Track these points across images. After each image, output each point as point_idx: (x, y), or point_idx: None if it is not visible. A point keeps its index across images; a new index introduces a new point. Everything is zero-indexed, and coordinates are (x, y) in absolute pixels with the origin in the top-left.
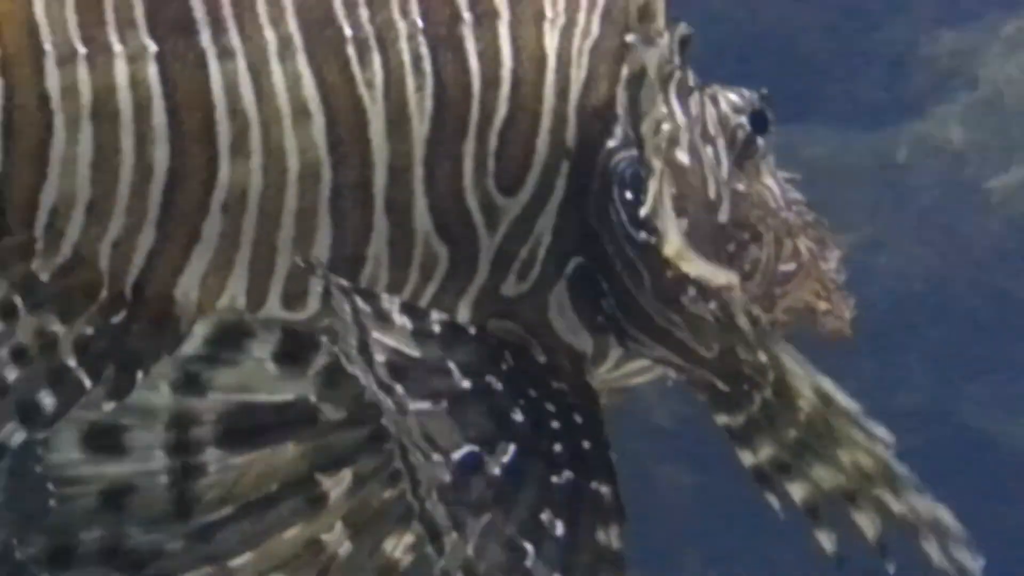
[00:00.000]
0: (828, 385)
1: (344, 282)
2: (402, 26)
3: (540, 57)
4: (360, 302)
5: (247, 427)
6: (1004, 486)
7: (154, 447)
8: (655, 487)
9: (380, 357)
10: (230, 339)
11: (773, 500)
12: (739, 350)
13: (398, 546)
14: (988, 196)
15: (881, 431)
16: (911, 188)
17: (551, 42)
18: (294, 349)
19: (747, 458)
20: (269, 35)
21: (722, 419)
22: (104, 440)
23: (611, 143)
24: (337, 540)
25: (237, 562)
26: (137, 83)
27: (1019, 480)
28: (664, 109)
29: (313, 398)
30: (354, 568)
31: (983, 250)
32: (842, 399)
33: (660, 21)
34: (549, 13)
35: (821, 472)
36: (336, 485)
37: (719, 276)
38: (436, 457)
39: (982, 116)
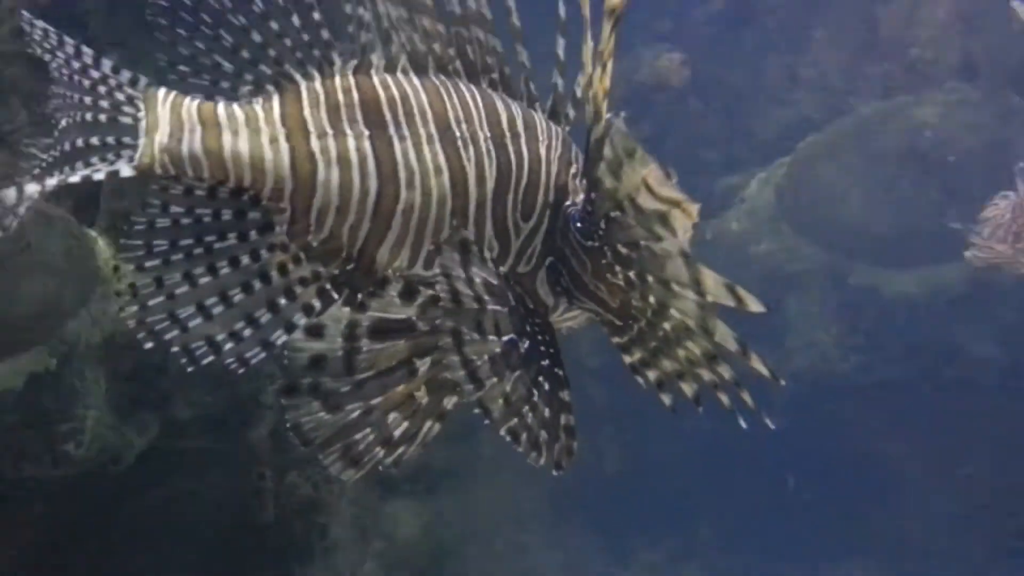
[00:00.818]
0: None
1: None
2: (480, 135)
3: (538, 159)
4: (471, 255)
5: (383, 329)
6: None
7: (336, 336)
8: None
9: (478, 279)
10: (381, 283)
11: (640, 382)
12: (633, 300)
13: (450, 402)
14: None
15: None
16: None
17: (543, 152)
18: (408, 291)
19: (627, 359)
20: (421, 131)
21: (616, 340)
22: (315, 331)
23: (568, 201)
24: (421, 395)
25: (374, 402)
26: (359, 149)
27: None
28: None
29: (413, 317)
30: (428, 413)
31: None
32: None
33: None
34: (542, 137)
35: (666, 363)
36: (422, 366)
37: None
38: (493, 338)
39: None
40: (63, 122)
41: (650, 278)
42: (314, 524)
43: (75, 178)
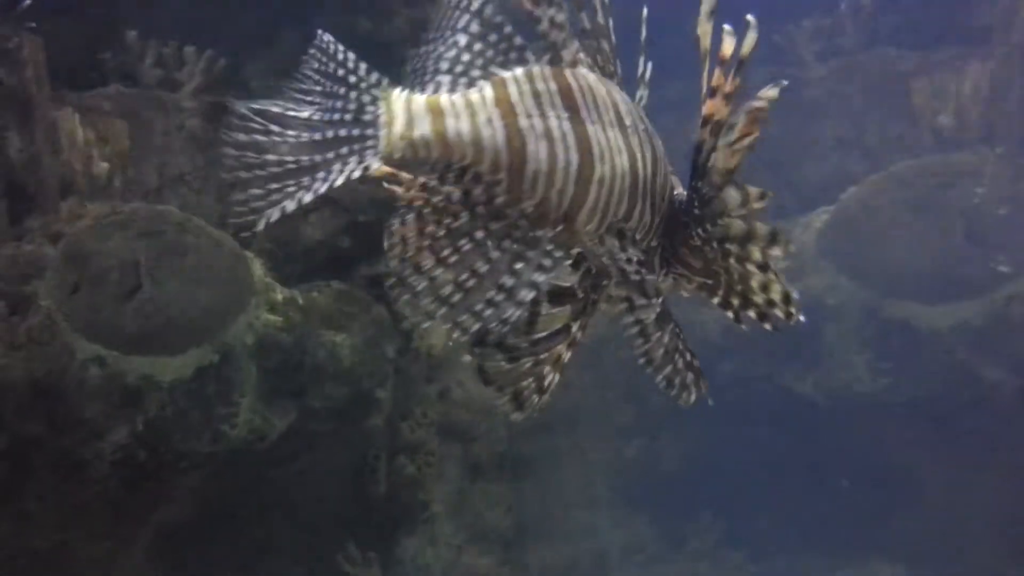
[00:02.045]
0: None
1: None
2: (639, 126)
3: (657, 158)
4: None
5: (557, 294)
6: None
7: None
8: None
9: (635, 256)
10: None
11: (749, 318)
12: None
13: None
14: None
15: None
16: None
17: (658, 151)
18: (576, 263)
19: (724, 309)
20: (604, 118)
21: (711, 298)
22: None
23: (675, 191)
24: (567, 353)
25: (543, 356)
26: (560, 127)
27: None
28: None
29: (576, 285)
30: (565, 368)
31: None
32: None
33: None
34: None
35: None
36: (575, 327)
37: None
38: (655, 301)
39: None
40: (307, 132)
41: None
42: (417, 500)
43: (338, 181)
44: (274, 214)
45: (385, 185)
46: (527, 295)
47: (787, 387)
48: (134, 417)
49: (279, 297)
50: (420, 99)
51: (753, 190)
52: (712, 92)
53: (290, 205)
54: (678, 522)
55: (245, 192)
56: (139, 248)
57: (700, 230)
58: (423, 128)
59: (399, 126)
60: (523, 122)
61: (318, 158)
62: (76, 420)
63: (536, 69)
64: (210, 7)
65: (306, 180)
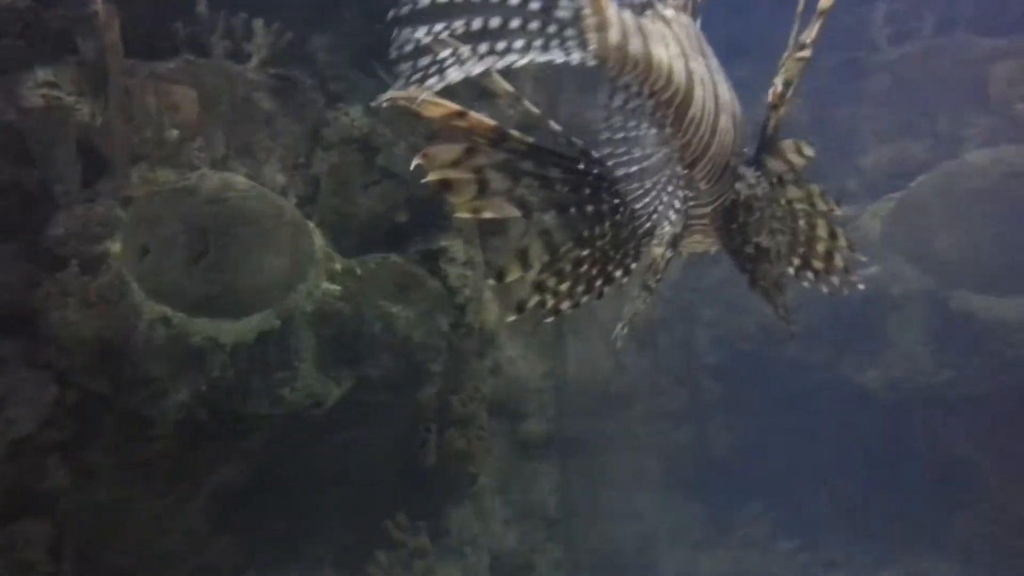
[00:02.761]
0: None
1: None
2: (728, 87)
3: (739, 123)
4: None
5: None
6: None
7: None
8: None
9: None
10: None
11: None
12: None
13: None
14: None
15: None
16: None
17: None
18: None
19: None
20: (710, 64)
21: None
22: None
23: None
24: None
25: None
26: (707, 74)
27: None
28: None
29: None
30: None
31: None
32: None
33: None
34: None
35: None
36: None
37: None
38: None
39: None
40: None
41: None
42: (466, 473)
43: (523, 60)
44: (455, 74)
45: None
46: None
47: (847, 377)
48: (197, 378)
49: (338, 267)
50: (626, 14)
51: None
52: (799, 47)
53: (476, 68)
54: (727, 509)
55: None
56: (206, 214)
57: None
58: (636, 45)
59: (615, 35)
60: (692, 63)
61: (507, 29)
62: (142, 379)
63: (681, 15)
64: None
65: (498, 46)
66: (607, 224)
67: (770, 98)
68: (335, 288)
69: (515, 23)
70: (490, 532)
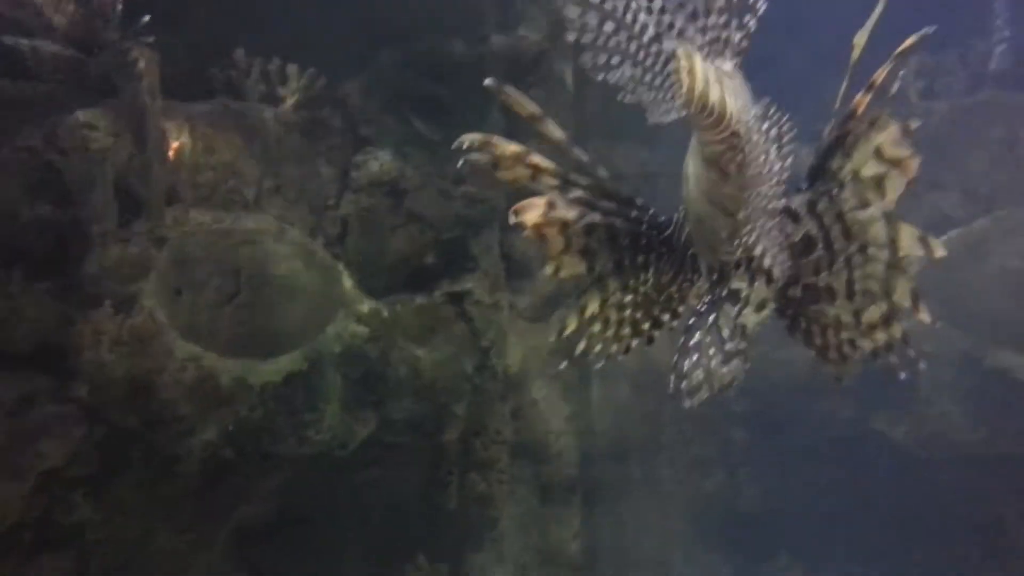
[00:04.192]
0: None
1: None
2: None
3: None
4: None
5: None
6: None
7: None
8: None
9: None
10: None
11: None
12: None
13: None
14: None
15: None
16: None
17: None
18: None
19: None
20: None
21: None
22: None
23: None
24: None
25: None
26: (753, 131)
27: None
28: None
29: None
30: None
31: None
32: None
33: None
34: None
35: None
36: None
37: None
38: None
39: None
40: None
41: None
42: (486, 517)
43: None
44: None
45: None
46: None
47: (878, 431)
48: (225, 417)
49: (365, 309)
50: (709, 64)
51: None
52: (868, 88)
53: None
54: (754, 561)
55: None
56: (239, 256)
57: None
58: (715, 94)
59: (700, 84)
60: (745, 119)
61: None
62: (170, 416)
63: (729, 65)
64: (312, 28)
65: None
66: (652, 271)
67: (853, 106)
68: (363, 330)
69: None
70: None
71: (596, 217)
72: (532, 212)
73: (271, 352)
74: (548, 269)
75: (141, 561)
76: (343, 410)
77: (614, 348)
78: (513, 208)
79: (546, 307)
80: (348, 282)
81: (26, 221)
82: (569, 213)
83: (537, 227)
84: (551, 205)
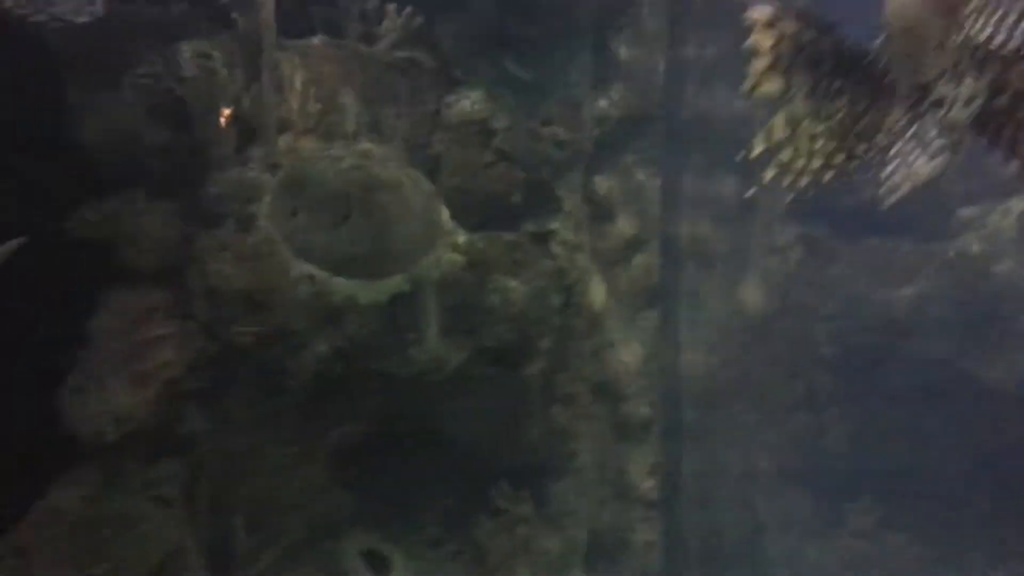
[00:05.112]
0: None
1: None
2: None
3: None
4: None
5: None
6: None
7: None
8: None
9: None
10: None
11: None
12: None
13: None
14: None
15: None
16: None
17: None
18: None
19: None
20: None
21: None
22: None
23: None
24: None
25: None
26: None
27: None
28: None
29: None
30: None
31: None
32: None
33: None
34: None
35: None
36: None
37: None
38: None
39: None
40: None
41: None
42: (567, 450)
43: None
44: None
45: None
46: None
47: (971, 373)
48: (335, 334)
49: (461, 240)
50: None
51: None
52: None
53: None
54: (838, 501)
55: None
56: (349, 181)
57: None
58: None
59: None
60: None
61: None
62: (285, 332)
63: None
64: None
65: None
66: (848, 99)
67: None
68: (459, 259)
69: None
70: (587, 508)
71: (811, 34)
72: (764, 10)
73: (378, 273)
74: (747, 84)
75: (247, 472)
76: (440, 334)
77: (805, 180)
78: (748, 7)
79: (627, 250)
80: (445, 213)
81: (148, 145)
82: (790, 25)
83: (762, 30)
84: (780, 10)
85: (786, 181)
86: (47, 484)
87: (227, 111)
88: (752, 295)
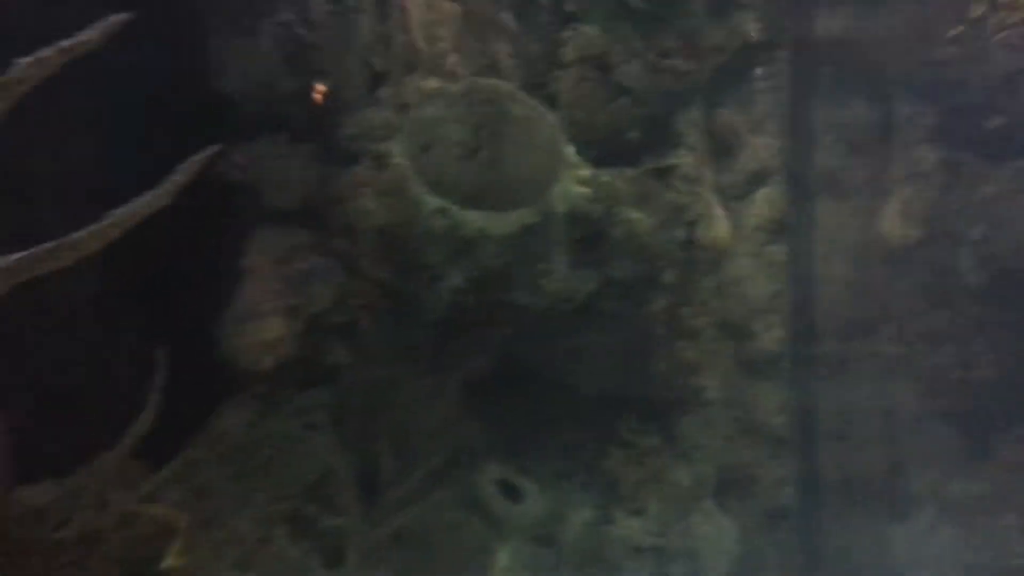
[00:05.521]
0: None
1: None
2: None
3: None
4: None
5: None
6: None
7: None
8: None
9: None
10: None
11: None
12: None
13: None
14: None
15: None
16: None
17: None
18: None
19: None
20: None
21: None
22: None
23: None
24: None
25: None
26: None
27: None
28: None
29: None
30: None
31: None
32: None
33: None
34: None
35: None
36: None
37: None
38: None
39: None
40: None
41: None
42: (693, 385)
43: None
44: None
45: None
46: None
47: None
48: (469, 265)
49: (586, 173)
50: None
51: None
52: None
53: None
54: (986, 433)
55: None
56: (477, 115)
57: None
58: None
59: None
60: None
61: None
62: (420, 265)
63: None
64: None
65: None
66: None
67: None
68: (585, 191)
69: None
70: (716, 444)
71: None
72: None
73: (507, 206)
74: None
75: (387, 403)
76: (569, 266)
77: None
78: None
79: (751, 183)
80: (570, 147)
81: (284, 91)
82: None
83: None
84: None
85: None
86: (212, 410)
87: (356, 54)
88: (891, 224)
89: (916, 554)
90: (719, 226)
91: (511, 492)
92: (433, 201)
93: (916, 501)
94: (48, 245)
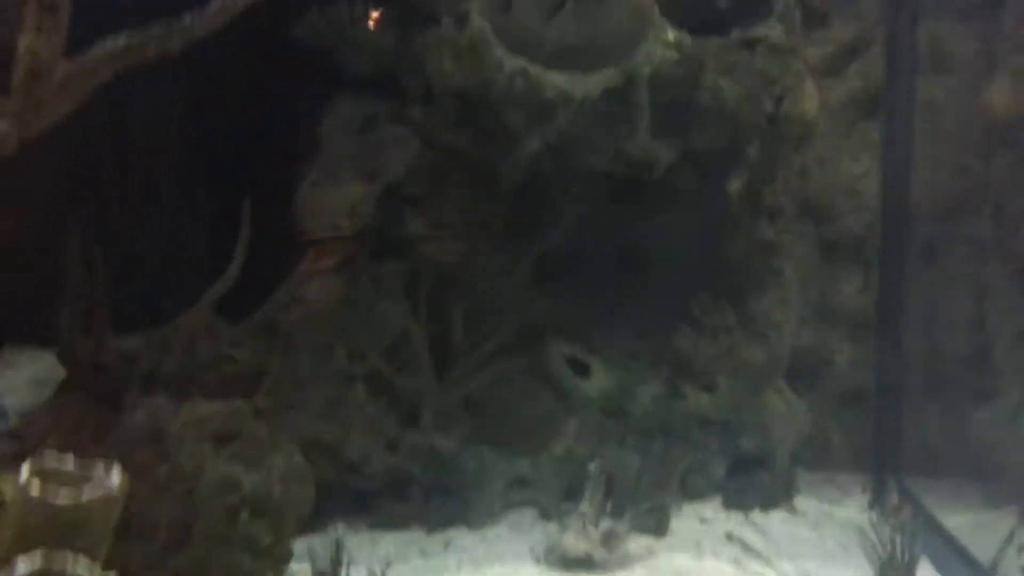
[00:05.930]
0: None
1: None
2: None
3: None
4: None
5: None
6: None
7: None
8: None
9: None
10: None
11: None
12: None
13: None
14: None
15: None
16: None
17: None
18: None
19: None
20: None
21: None
22: None
23: None
24: None
25: None
26: None
27: None
28: None
29: None
30: None
31: None
32: None
33: None
34: None
35: None
36: None
37: None
38: None
39: None
40: None
41: None
42: (771, 264)
43: None
44: None
45: None
46: None
47: None
48: (548, 129)
49: (671, 36)
50: None
51: None
52: None
53: None
54: None
55: None
56: None
57: None
58: None
59: None
60: None
61: None
62: (498, 129)
63: None
64: None
65: None
66: None
67: None
68: (671, 54)
69: None
70: (792, 323)
71: None
72: None
73: (591, 66)
74: None
75: (461, 277)
76: (652, 131)
77: None
78: None
79: (845, 56)
80: (656, 8)
81: None
82: None
83: None
84: None
85: None
86: (291, 271)
87: None
88: (999, 97)
89: (998, 437)
90: (808, 101)
91: (580, 367)
92: (513, 62)
93: (1003, 377)
94: (159, 29)
